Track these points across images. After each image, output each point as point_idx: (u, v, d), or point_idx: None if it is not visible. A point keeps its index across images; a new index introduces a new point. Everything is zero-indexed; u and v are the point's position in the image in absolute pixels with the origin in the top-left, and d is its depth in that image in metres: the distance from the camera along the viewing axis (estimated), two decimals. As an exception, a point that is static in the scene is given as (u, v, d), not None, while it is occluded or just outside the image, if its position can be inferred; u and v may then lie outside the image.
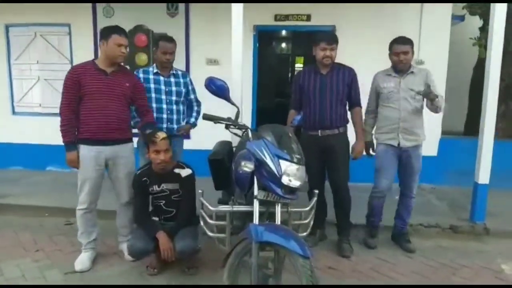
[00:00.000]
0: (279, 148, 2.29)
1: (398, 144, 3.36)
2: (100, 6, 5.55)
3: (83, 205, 3.07)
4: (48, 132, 5.06)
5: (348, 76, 3.37)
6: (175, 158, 3.29)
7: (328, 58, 3.27)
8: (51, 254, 3.37)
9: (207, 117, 2.54)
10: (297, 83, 3.46)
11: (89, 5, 5.56)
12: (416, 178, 3.48)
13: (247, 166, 2.30)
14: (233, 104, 2.65)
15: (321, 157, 3.36)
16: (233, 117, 2.63)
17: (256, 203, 2.28)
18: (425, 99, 3.29)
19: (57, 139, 3.01)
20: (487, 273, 3.18)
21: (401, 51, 3.30)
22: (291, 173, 2.23)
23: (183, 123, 3.65)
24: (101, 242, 3.53)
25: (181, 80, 3.61)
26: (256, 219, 2.25)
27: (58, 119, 2.98)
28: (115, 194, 3.24)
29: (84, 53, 5.46)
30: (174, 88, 3.54)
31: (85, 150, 3.00)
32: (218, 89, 2.55)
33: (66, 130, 2.97)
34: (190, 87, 3.70)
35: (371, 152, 3.56)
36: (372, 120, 3.56)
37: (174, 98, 3.54)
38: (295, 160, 2.26)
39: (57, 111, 3.02)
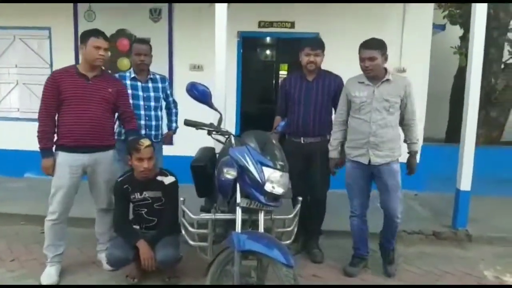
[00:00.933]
0: (262, 154, 2.26)
1: (369, 162, 2.98)
2: (81, 10, 5.45)
3: (53, 216, 2.93)
4: (27, 138, 4.89)
5: (334, 83, 3.33)
6: (157, 165, 3.23)
7: (312, 64, 3.24)
8: (27, 264, 3.26)
9: (189, 123, 2.49)
10: (284, 89, 3.43)
11: (71, 9, 5.45)
12: (393, 198, 3.02)
13: (230, 173, 2.27)
14: (215, 109, 2.62)
15: (304, 164, 3.33)
16: (215, 123, 2.59)
17: (238, 211, 2.25)
18: (401, 111, 2.99)
19: (36, 145, 2.92)
20: (469, 279, 3.19)
21: (366, 56, 2.91)
22: (274, 180, 2.20)
23: (164, 130, 3.60)
24: (79, 251, 3.45)
25: (159, 85, 3.55)
26: (238, 227, 2.22)
27: (37, 124, 2.89)
28: (93, 199, 3.13)
29: (64, 57, 5.33)
30: (152, 94, 3.48)
31: (62, 157, 2.90)
32: (200, 94, 2.52)
33: (42, 136, 2.88)
34: (168, 91, 3.67)
35: (334, 170, 3.27)
36: (341, 133, 3.16)
37: (152, 103, 3.48)
38: (278, 167, 2.24)
39: (36, 116, 2.93)
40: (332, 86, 3.32)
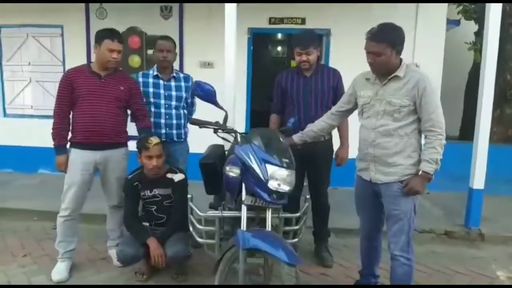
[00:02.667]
0: (266, 152, 2.24)
1: (370, 179, 2.50)
2: (93, 8, 5.50)
3: (65, 212, 2.97)
4: (40, 135, 4.97)
5: (333, 78, 3.19)
6: (178, 165, 3.21)
7: (305, 63, 3.07)
8: (38, 260, 3.30)
9: (194, 122, 2.50)
10: (280, 86, 3.27)
11: (82, 6, 5.50)
12: (394, 230, 2.42)
13: (233, 171, 2.26)
14: (220, 108, 2.60)
15: (302, 163, 2.88)
16: (221, 121, 2.58)
17: (244, 209, 2.24)
18: (415, 115, 2.35)
19: (49, 142, 2.98)
20: (481, 280, 3.14)
21: (368, 50, 2.33)
22: (280, 177, 2.19)
23: (187, 129, 3.56)
24: (90, 247, 3.49)
25: (182, 84, 3.44)
26: (244, 225, 2.21)
27: (50, 121, 2.95)
28: (104, 195, 3.17)
29: (76, 54, 5.40)
30: (174, 93, 3.39)
31: (75, 154, 2.94)
32: (205, 93, 2.50)
33: (56, 133, 2.93)
34: (191, 91, 3.52)
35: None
36: (321, 124, 2.81)
37: (173, 103, 3.38)
38: (283, 164, 2.22)
39: (49, 113, 2.99)
40: (331, 80, 3.17)
